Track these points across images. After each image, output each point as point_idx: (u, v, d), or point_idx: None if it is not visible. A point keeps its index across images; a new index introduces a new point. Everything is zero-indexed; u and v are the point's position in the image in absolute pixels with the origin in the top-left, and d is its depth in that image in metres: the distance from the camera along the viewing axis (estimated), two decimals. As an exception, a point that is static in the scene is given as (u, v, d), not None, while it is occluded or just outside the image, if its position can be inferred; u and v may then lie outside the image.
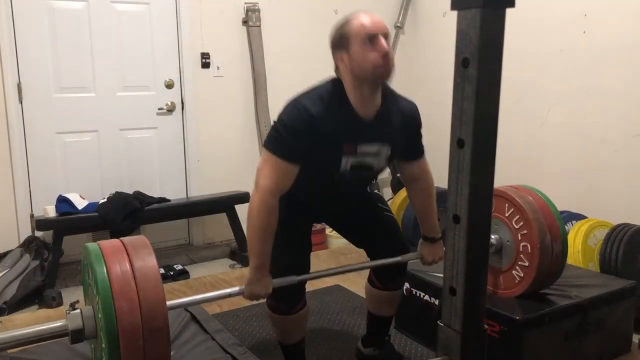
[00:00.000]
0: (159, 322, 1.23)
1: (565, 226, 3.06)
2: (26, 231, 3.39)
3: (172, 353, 2.01)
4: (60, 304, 3.04)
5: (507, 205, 2.12)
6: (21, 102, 3.34)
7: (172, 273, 3.46)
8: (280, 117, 1.78)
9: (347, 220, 2.15)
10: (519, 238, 2.09)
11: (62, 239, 3.25)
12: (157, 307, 1.24)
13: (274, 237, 1.77)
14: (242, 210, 3.78)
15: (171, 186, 3.84)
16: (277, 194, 1.77)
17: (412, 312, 2.48)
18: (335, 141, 1.78)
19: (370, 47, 1.72)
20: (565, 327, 2.16)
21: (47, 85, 3.40)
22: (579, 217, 3.14)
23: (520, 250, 2.09)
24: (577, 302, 2.18)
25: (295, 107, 1.75)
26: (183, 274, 3.49)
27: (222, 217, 3.81)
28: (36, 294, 3.08)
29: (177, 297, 3.10)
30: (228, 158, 4.00)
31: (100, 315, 1.22)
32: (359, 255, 2.21)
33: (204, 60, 3.83)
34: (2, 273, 3.02)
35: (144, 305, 1.22)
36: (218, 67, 3.87)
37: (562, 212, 3.22)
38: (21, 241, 3.34)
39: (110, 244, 1.31)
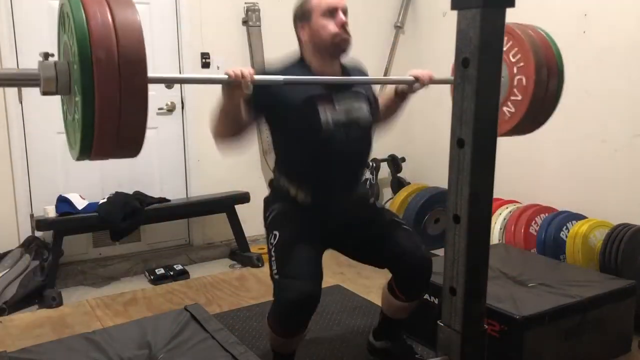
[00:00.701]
0: (138, 82, 1.14)
1: (565, 226, 3.08)
2: (26, 231, 3.39)
3: (166, 350, 2.02)
4: (60, 304, 3.04)
5: (506, 37, 1.96)
6: (21, 102, 3.34)
7: (172, 273, 3.46)
8: None
9: (362, 239, 2.10)
10: (515, 71, 1.97)
11: (62, 239, 3.25)
12: (137, 63, 1.14)
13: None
14: (242, 210, 3.78)
15: (171, 186, 3.83)
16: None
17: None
18: (304, 95, 1.90)
19: (329, 18, 1.90)
20: (565, 326, 2.16)
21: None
22: (579, 217, 3.14)
23: (515, 84, 1.97)
24: (577, 301, 2.19)
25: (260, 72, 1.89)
26: (183, 274, 3.49)
27: (222, 217, 3.81)
28: (36, 294, 3.08)
29: (177, 297, 3.12)
30: (228, 158, 3.99)
31: (75, 67, 1.12)
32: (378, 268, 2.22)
33: (204, 60, 3.83)
34: (2, 273, 3.02)
35: (123, 59, 1.12)
36: (218, 67, 3.86)
37: (562, 212, 3.23)
38: (21, 241, 3.34)
39: None
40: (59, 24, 1.30)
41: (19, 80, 1.29)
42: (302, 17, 1.97)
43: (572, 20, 3.29)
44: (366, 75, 2.16)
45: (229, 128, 1.88)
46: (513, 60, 1.97)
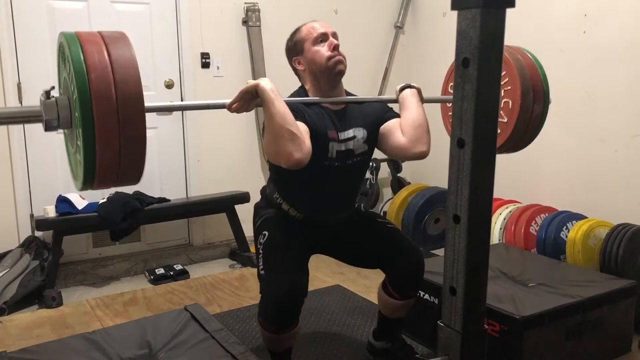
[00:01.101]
0: (135, 115, 1.21)
1: (565, 226, 3.08)
2: (26, 231, 3.39)
3: (169, 347, 2.02)
4: (60, 304, 3.04)
5: None
6: (21, 102, 3.34)
7: (172, 273, 3.47)
8: None
9: (351, 243, 2.15)
10: (502, 94, 1.97)
11: (62, 239, 3.25)
12: (134, 97, 1.21)
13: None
14: (242, 210, 3.78)
15: (171, 186, 3.83)
16: None
17: (412, 312, 2.48)
18: (319, 125, 1.92)
19: (321, 44, 1.95)
20: (566, 326, 2.16)
21: (47, 85, 3.37)
22: (579, 217, 3.14)
23: (501, 106, 1.99)
24: (577, 301, 2.19)
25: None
26: (183, 274, 3.49)
27: (222, 217, 3.81)
28: (36, 294, 3.08)
29: (177, 297, 3.12)
30: (228, 158, 4.00)
31: (75, 104, 1.19)
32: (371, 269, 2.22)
33: (204, 60, 3.83)
34: (2, 273, 3.02)
35: (121, 94, 1.19)
36: (218, 67, 3.87)
37: (562, 212, 3.23)
38: (21, 241, 3.34)
39: (86, 34, 1.26)
40: (59, 58, 1.34)
41: (22, 118, 1.35)
42: (294, 50, 2.02)
43: (572, 20, 3.29)
44: (381, 107, 2.08)
45: (282, 131, 1.71)
46: (501, 82, 1.98)
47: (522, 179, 3.65)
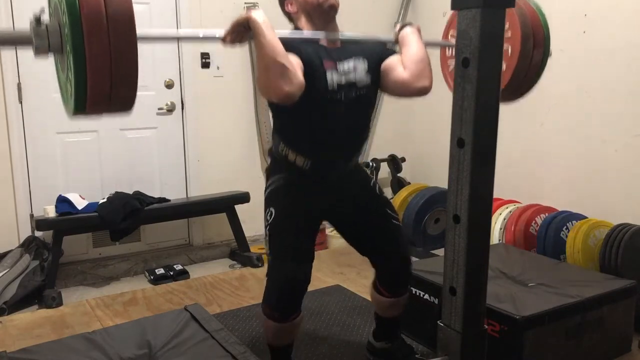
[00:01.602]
0: (127, 39, 1.20)
1: (565, 226, 3.08)
2: (26, 231, 3.39)
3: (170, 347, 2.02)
4: (60, 304, 3.04)
5: None
6: (21, 102, 3.34)
7: (172, 273, 3.46)
8: None
9: (353, 222, 2.13)
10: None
11: (61, 239, 3.25)
12: (125, 21, 1.20)
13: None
14: (242, 210, 3.78)
15: (171, 186, 3.83)
16: None
17: (412, 312, 2.48)
18: (314, 58, 1.87)
19: None
20: (566, 326, 2.16)
21: (47, 85, 3.40)
22: (579, 217, 3.14)
23: None
24: (577, 301, 2.19)
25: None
26: (183, 274, 3.49)
27: (222, 217, 3.81)
28: (36, 294, 3.08)
29: (177, 297, 3.13)
30: (228, 158, 4.00)
31: (66, 27, 1.18)
32: (360, 254, 2.21)
33: (204, 60, 3.83)
34: (2, 273, 3.02)
35: (112, 17, 1.17)
36: (218, 67, 3.87)
37: (562, 212, 3.23)
38: (21, 241, 3.34)
39: None
40: None
41: (12, 41, 1.35)
42: None
43: (572, 20, 3.29)
44: (381, 46, 2.05)
45: (272, 63, 1.69)
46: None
47: (522, 178, 3.65)
